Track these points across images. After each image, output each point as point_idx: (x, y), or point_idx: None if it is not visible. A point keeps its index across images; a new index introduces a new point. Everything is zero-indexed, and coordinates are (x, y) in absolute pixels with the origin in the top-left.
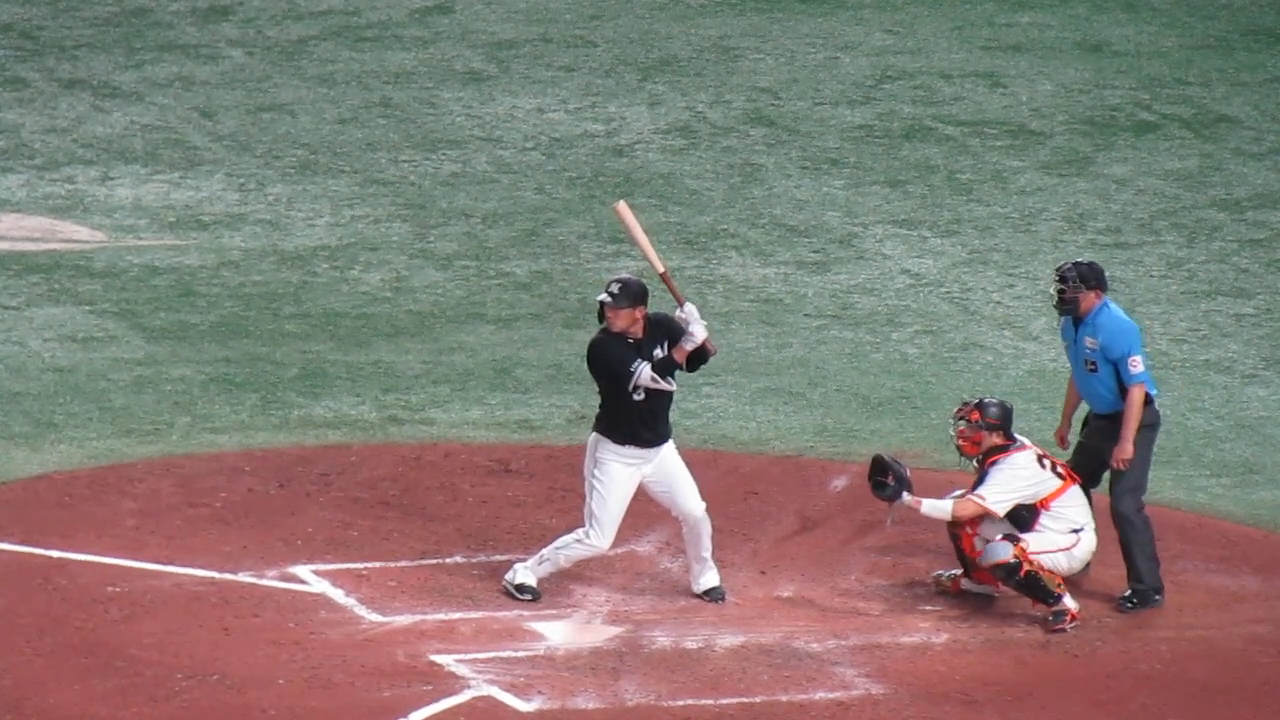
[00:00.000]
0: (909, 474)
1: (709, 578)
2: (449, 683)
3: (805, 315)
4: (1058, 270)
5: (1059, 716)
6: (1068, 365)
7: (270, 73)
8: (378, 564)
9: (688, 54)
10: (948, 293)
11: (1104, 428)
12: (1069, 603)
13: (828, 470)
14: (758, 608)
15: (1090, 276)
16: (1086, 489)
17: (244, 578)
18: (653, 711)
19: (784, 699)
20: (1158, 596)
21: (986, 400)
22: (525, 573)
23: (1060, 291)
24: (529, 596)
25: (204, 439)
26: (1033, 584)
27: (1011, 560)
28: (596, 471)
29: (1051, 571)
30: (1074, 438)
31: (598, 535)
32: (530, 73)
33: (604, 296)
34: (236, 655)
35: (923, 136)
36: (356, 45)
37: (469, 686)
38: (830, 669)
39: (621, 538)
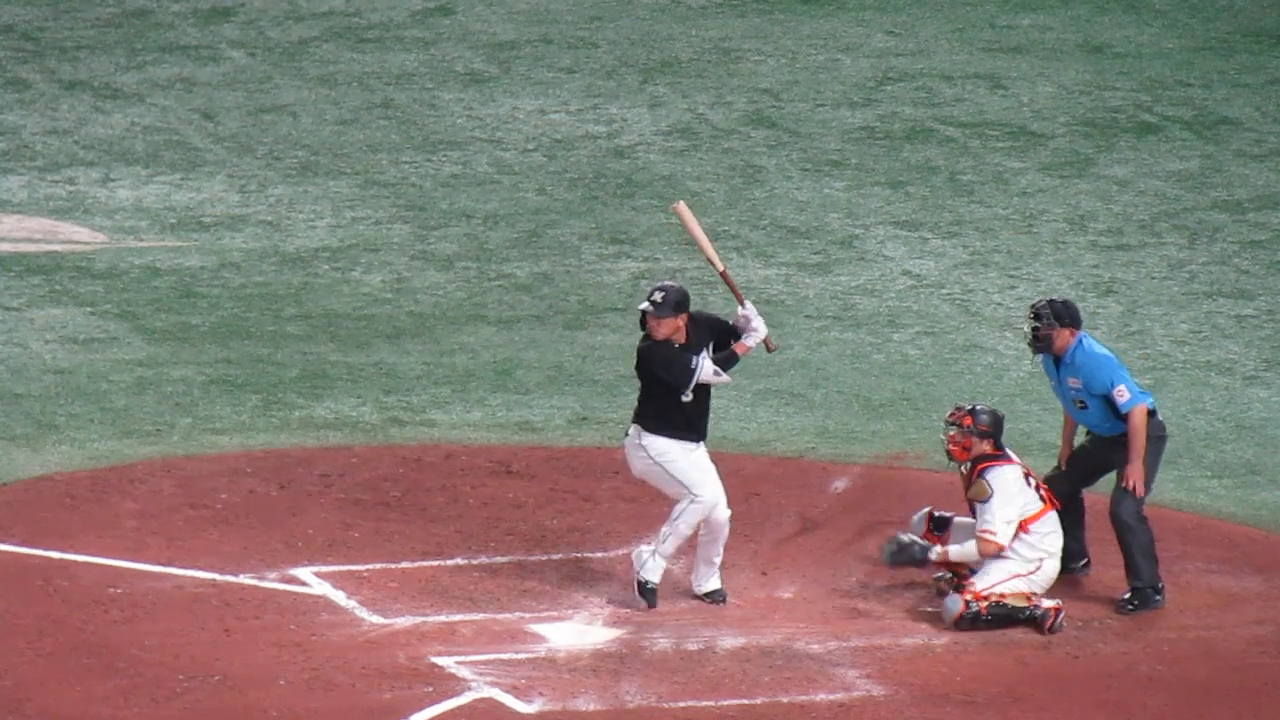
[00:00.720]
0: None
1: (714, 580)
2: (450, 684)
3: (806, 316)
4: (1032, 307)
5: (1059, 717)
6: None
7: (271, 74)
8: (379, 565)
9: (689, 55)
10: (949, 294)
11: (1115, 440)
12: (1046, 604)
13: (829, 472)
14: (759, 609)
15: (1064, 314)
16: (1067, 511)
17: (245, 579)
18: (654, 713)
19: (785, 700)
20: (1158, 597)
21: (979, 407)
22: (653, 567)
23: (1034, 329)
24: (646, 603)
25: (205, 440)
26: (1002, 616)
27: (966, 611)
28: (660, 460)
29: (1014, 594)
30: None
31: (703, 490)
32: (531, 74)
33: (645, 305)
34: (238, 656)
35: (924, 138)
36: (358, 46)
37: (470, 688)
38: (831, 670)
39: (622, 539)
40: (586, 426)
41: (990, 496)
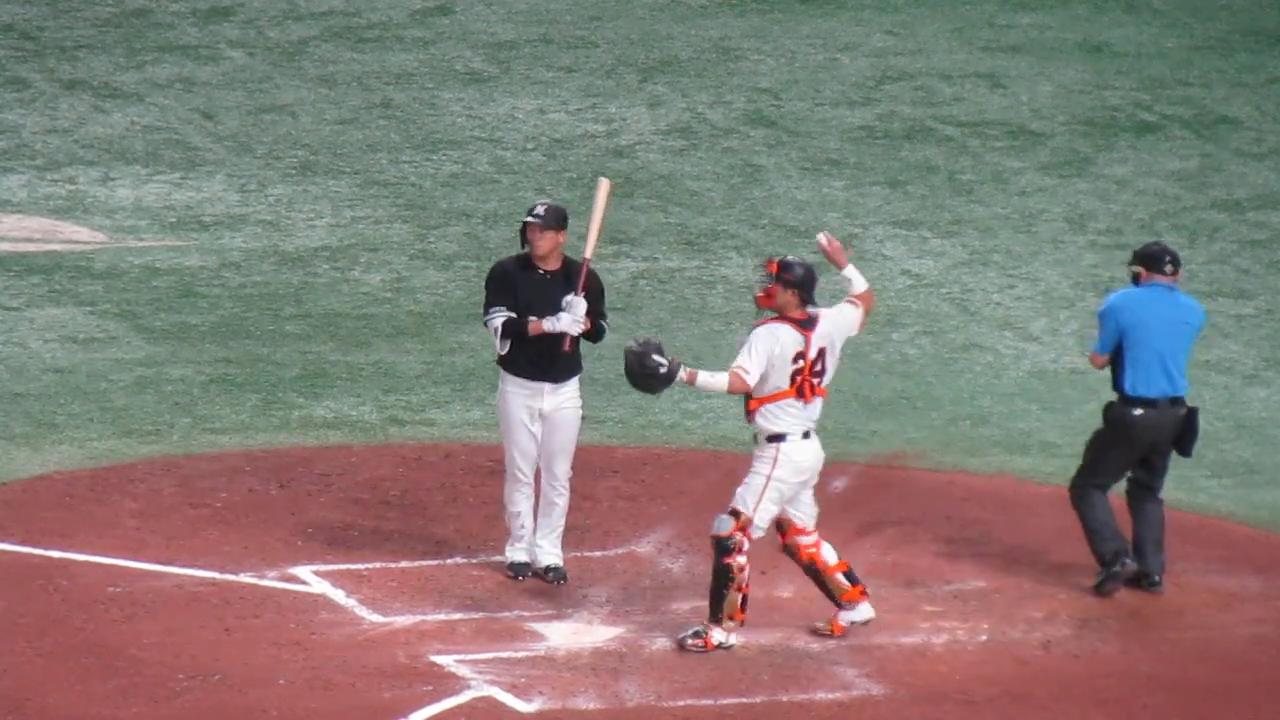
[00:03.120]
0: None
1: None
2: (449, 683)
3: None
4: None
5: (1059, 717)
6: (1072, 365)
7: (271, 73)
8: (378, 564)
9: (688, 55)
10: (948, 293)
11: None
12: (723, 638)
13: (828, 471)
14: (757, 608)
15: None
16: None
17: (245, 578)
18: (653, 712)
19: (784, 699)
20: (1120, 563)
21: (792, 259)
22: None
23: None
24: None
25: (205, 439)
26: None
27: (727, 536)
28: (498, 404)
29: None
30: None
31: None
32: (531, 73)
33: (529, 218)
34: (237, 656)
35: (923, 137)
36: (357, 46)
37: (469, 687)
38: (830, 669)
39: (621, 538)
40: (585, 426)
41: (749, 343)
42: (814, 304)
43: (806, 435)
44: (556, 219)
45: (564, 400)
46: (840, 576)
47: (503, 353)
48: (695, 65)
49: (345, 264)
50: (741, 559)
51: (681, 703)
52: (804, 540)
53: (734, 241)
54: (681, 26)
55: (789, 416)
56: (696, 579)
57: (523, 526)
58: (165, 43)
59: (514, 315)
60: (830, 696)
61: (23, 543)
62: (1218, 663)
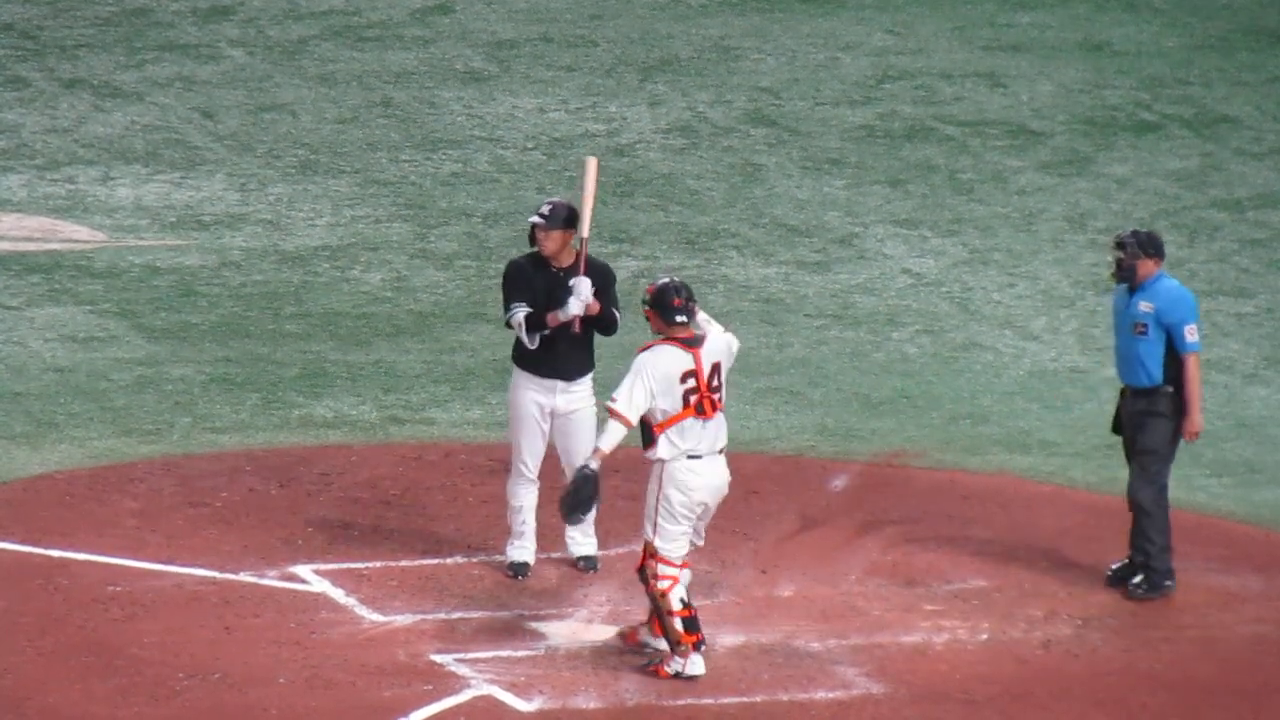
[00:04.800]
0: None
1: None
2: (450, 682)
3: (806, 315)
4: (1116, 237)
5: (1059, 716)
6: (1072, 364)
7: (271, 72)
8: (378, 564)
9: (688, 54)
10: (948, 292)
11: (1139, 411)
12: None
13: (828, 470)
14: (758, 607)
15: (1149, 244)
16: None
17: (245, 577)
18: (653, 711)
19: (784, 698)
20: (1168, 583)
21: (665, 280)
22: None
23: (1119, 260)
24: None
25: (205, 439)
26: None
27: (639, 567)
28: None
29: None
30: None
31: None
32: (531, 72)
33: (534, 218)
34: (237, 655)
35: (923, 136)
36: (357, 45)
37: (469, 686)
38: (830, 668)
39: (621, 538)
40: None
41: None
42: (692, 321)
43: (697, 456)
44: (562, 217)
45: (576, 400)
46: (679, 623)
47: (533, 347)
48: (696, 64)
49: (345, 263)
50: (664, 584)
51: (681, 702)
52: (664, 570)
53: (734, 241)
54: (682, 25)
55: (692, 437)
56: (697, 578)
57: (524, 523)
58: (165, 42)
59: (532, 310)
60: (830, 696)
61: (23, 542)
62: (1218, 662)
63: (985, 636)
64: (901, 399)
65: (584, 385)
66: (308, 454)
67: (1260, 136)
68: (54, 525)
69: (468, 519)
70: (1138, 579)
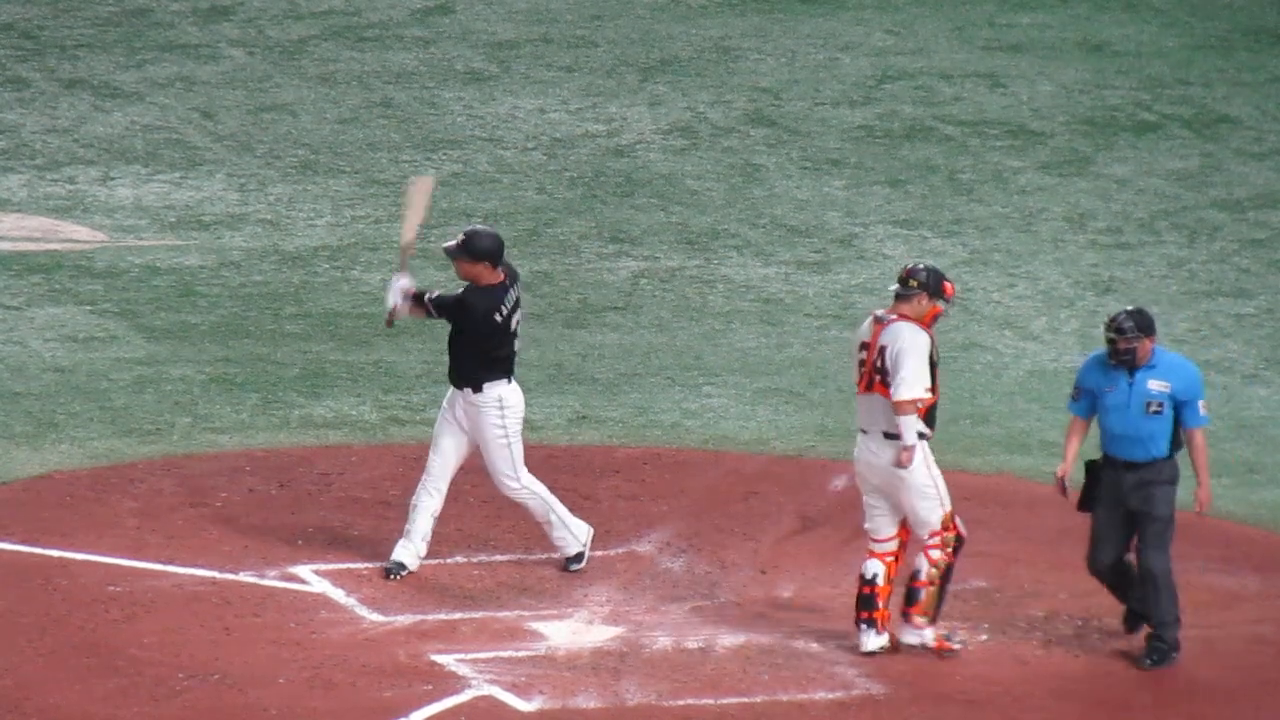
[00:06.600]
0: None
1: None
2: (450, 682)
3: (806, 315)
4: (1113, 322)
5: (1059, 717)
6: (1072, 364)
7: (271, 73)
8: (378, 564)
9: (688, 54)
10: None
11: (1145, 481)
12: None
13: (828, 470)
14: (758, 608)
15: (1147, 325)
16: (1118, 584)
17: (245, 577)
18: (654, 711)
19: (784, 699)
20: (1175, 654)
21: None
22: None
23: (1118, 344)
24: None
25: (205, 439)
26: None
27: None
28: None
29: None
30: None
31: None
32: (531, 73)
33: (450, 244)
34: (237, 655)
35: (923, 137)
36: (357, 45)
37: (470, 686)
38: (830, 669)
39: (621, 538)
40: (586, 425)
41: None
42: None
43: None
44: (465, 249)
45: (477, 410)
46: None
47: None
48: (696, 65)
49: (345, 263)
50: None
51: (681, 702)
52: (943, 540)
53: (734, 241)
54: (682, 26)
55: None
56: (697, 578)
57: (413, 522)
58: (165, 42)
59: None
60: (830, 696)
61: (23, 542)
62: (1219, 662)
63: (985, 637)
64: None
65: (474, 395)
66: (308, 454)
67: (1260, 136)
68: (54, 525)
69: (468, 519)
70: (1149, 651)
